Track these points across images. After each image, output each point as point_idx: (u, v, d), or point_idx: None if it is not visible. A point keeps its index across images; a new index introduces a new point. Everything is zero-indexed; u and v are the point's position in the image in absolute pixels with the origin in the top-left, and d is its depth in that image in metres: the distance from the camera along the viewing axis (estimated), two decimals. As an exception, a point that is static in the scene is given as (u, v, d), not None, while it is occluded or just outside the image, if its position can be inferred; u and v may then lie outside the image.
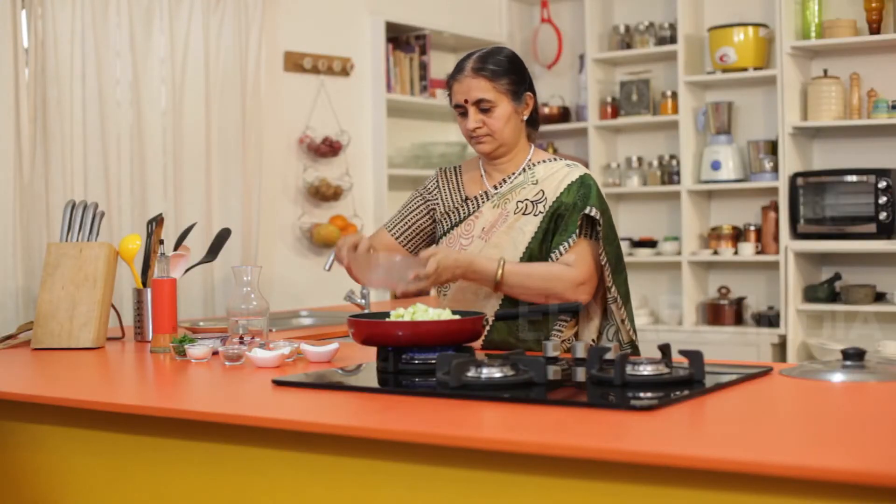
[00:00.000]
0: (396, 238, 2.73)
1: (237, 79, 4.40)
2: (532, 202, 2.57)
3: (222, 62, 4.38)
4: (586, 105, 5.61)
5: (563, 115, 5.81)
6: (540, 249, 2.54)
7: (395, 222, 2.75)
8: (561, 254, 2.51)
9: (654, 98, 5.54)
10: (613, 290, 2.51)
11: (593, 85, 5.57)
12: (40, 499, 2.22)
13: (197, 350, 2.45)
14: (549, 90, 6.00)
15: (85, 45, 3.91)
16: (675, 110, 5.37)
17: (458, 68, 2.58)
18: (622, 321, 2.52)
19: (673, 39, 5.41)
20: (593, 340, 2.59)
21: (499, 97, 2.53)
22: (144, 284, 2.97)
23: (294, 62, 4.77)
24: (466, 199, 2.66)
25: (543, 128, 5.77)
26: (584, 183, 2.55)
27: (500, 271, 2.46)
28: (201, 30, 4.28)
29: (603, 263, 2.50)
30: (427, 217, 2.73)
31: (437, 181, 2.73)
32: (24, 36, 3.75)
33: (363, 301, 3.78)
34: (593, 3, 5.56)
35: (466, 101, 2.54)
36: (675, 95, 5.39)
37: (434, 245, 2.72)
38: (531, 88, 2.62)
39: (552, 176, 2.58)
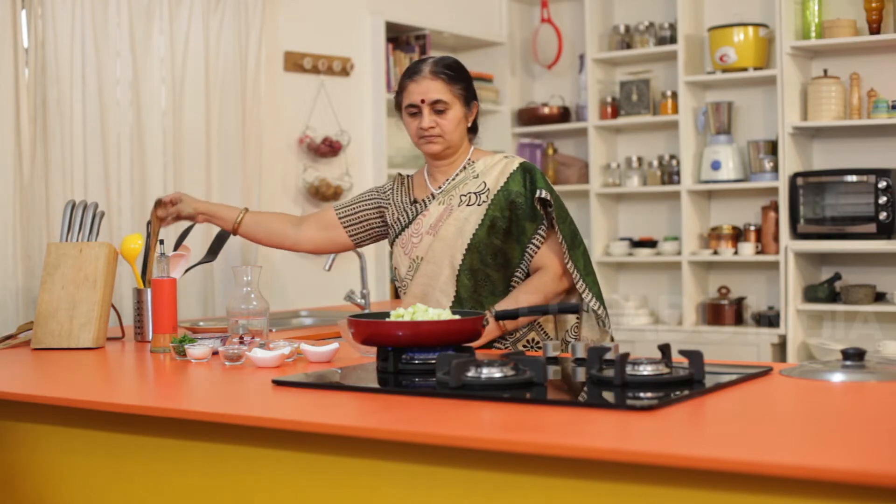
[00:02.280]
0: (340, 219, 2.88)
1: (237, 79, 4.40)
2: (475, 193, 2.69)
3: (222, 62, 4.37)
4: (586, 105, 5.61)
5: (563, 115, 5.81)
6: (488, 236, 2.64)
7: (344, 205, 2.90)
8: (538, 246, 2.65)
9: (654, 98, 5.54)
10: (570, 264, 2.62)
11: (593, 85, 5.57)
12: (40, 499, 2.22)
13: (197, 350, 2.45)
14: (549, 90, 6.00)
15: (85, 45, 3.91)
16: (675, 110, 5.37)
17: (415, 70, 2.71)
18: (582, 292, 2.64)
19: (673, 39, 5.41)
20: (578, 316, 2.68)
21: (453, 100, 2.69)
22: (144, 284, 2.97)
23: (294, 62, 4.77)
24: (415, 201, 2.79)
25: (543, 128, 5.77)
26: (526, 169, 2.69)
27: (501, 322, 2.61)
28: (201, 30, 4.28)
29: (560, 242, 2.63)
30: (374, 212, 2.87)
31: (392, 186, 2.88)
32: (24, 36, 3.75)
33: (363, 301, 3.78)
34: (593, 3, 5.56)
35: (423, 101, 2.68)
36: (675, 95, 5.39)
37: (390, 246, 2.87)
38: (476, 98, 2.77)
39: (492, 168, 2.72)
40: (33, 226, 3.76)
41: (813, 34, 4.94)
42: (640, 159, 5.57)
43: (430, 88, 2.66)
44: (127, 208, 4.06)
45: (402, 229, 2.76)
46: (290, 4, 4.77)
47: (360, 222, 2.87)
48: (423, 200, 2.77)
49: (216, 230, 3.08)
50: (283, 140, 4.75)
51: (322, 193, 4.80)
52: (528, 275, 2.68)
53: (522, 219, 2.64)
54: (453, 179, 2.74)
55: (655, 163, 5.51)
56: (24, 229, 3.72)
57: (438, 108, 2.67)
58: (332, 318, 3.91)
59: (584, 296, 2.63)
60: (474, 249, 2.63)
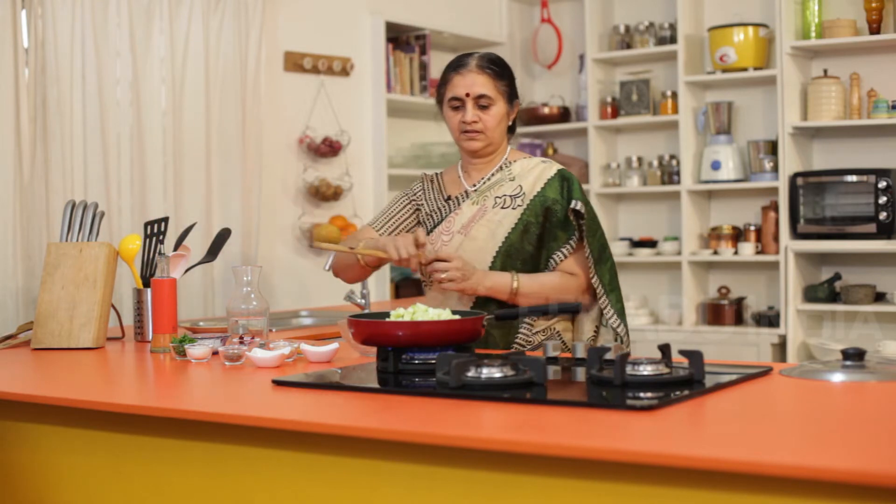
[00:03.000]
0: (378, 231, 2.79)
1: (237, 79, 4.40)
2: (511, 196, 2.65)
3: (222, 62, 4.37)
4: (586, 105, 5.61)
5: (563, 115, 5.81)
6: (521, 241, 2.61)
7: (381, 221, 2.81)
8: (564, 255, 2.62)
9: (654, 98, 5.54)
10: (595, 279, 2.59)
11: (593, 85, 5.57)
12: (40, 499, 2.22)
13: (197, 350, 2.45)
14: (549, 90, 6.00)
15: (85, 45, 3.91)
16: (675, 110, 5.37)
17: (461, 63, 2.66)
18: (604, 308, 2.61)
19: (673, 39, 5.41)
20: (596, 328, 2.67)
21: (497, 96, 2.64)
22: (145, 284, 2.97)
23: (294, 62, 4.77)
24: (448, 198, 2.74)
25: (543, 128, 5.78)
26: (564, 177, 2.65)
27: (515, 283, 2.56)
28: (201, 30, 4.28)
29: (587, 255, 2.59)
30: (412, 216, 2.81)
31: (422, 185, 2.82)
32: (24, 36, 3.75)
33: (363, 301, 3.78)
34: (593, 3, 5.56)
35: (468, 95, 2.62)
36: (675, 95, 5.39)
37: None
38: (518, 96, 2.74)
39: (529, 172, 2.68)
40: (33, 226, 3.76)
41: (813, 34, 4.94)
42: (640, 159, 5.57)
43: (475, 82, 2.62)
44: (127, 208, 4.06)
45: (435, 226, 2.72)
46: (290, 4, 4.77)
47: (397, 228, 2.80)
48: (457, 198, 2.72)
49: (216, 230, 3.07)
50: (283, 140, 4.75)
51: (322, 193, 4.80)
52: None
53: (556, 227, 2.61)
54: (489, 179, 2.70)
55: (655, 163, 5.51)
56: (24, 229, 3.72)
57: (482, 102, 2.62)
58: (332, 318, 3.90)
59: (605, 312, 2.60)
60: (505, 253, 2.61)
